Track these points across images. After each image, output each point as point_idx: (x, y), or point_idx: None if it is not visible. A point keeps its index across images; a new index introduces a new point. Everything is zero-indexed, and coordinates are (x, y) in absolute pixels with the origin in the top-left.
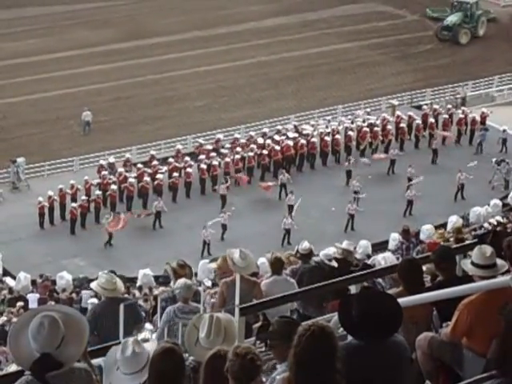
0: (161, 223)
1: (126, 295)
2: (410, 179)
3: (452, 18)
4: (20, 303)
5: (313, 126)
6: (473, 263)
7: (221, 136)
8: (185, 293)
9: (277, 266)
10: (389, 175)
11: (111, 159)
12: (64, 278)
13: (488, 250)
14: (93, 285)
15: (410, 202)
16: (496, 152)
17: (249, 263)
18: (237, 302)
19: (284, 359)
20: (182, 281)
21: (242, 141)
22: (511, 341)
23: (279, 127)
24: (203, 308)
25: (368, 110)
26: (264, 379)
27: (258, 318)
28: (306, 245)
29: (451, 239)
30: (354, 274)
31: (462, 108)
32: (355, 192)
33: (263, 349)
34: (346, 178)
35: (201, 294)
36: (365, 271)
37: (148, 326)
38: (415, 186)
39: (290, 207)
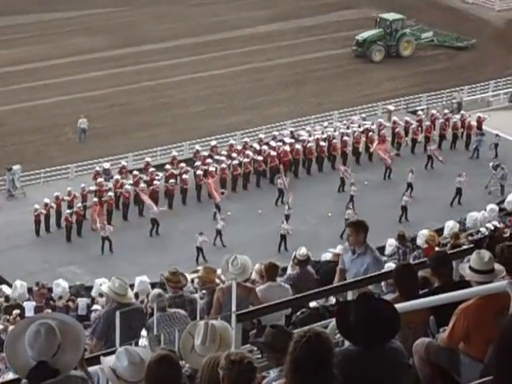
0: (158, 230)
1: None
2: (409, 185)
3: (364, 34)
4: (16, 311)
5: (308, 131)
6: (471, 268)
7: (214, 142)
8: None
9: (271, 272)
10: (385, 180)
11: (106, 165)
12: (60, 286)
13: (486, 255)
14: (104, 288)
15: (404, 208)
16: (492, 157)
17: (242, 270)
18: (233, 308)
19: (276, 365)
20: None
21: (238, 147)
22: (506, 349)
23: (275, 133)
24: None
25: (364, 115)
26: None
27: (254, 325)
28: (303, 251)
29: (447, 244)
30: (350, 280)
31: (461, 112)
32: (351, 197)
33: (259, 355)
34: (339, 183)
35: (197, 302)
36: (362, 277)
37: (144, 332)
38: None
39: (287, 217)
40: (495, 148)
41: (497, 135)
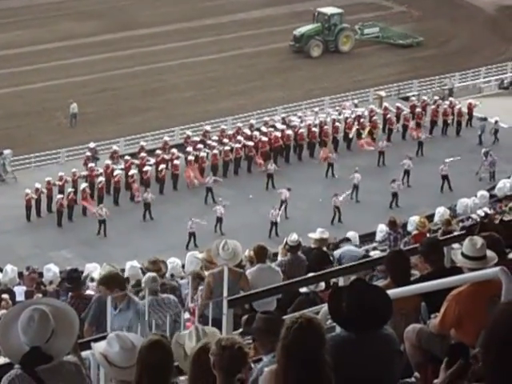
0: (151, 214)
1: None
2: (406, 171)
3: (302, 29)
4: (6, 296)
5: (300, 117)
6: (463, 254)
7: (208, 128)
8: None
9: (261, 254)
10: (379, 166)
11: (91, 144)
12: (51, 271)
13: (479, 241)
14: (95, 275)
15: (394, 194)
16: (487, 143)
17: (233, 255)
18: (225, 293)
19: (268, 351)
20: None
21: (229, 132)
22: (495, 341)
23: (266, 118)
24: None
25: (356, 101)
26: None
27: (245, 311)
28: (294, 237)
29: (437, 230)
30: (342, 266)
31: (450, 99)
32: (355, 185)
33: (250, 341)
34: (326, 168)
35: (181, 286)
36: (353, 263)
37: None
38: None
39: (282, 202)
40: (495, 134)
41: (496, 121)
